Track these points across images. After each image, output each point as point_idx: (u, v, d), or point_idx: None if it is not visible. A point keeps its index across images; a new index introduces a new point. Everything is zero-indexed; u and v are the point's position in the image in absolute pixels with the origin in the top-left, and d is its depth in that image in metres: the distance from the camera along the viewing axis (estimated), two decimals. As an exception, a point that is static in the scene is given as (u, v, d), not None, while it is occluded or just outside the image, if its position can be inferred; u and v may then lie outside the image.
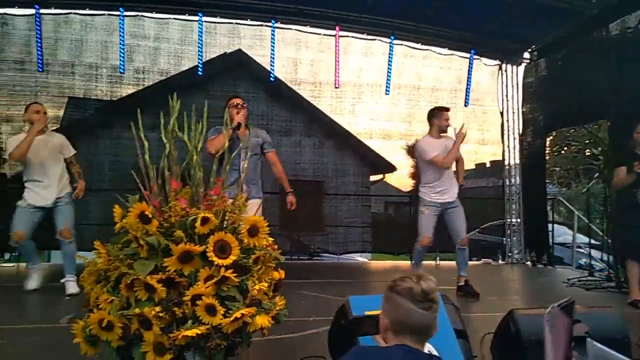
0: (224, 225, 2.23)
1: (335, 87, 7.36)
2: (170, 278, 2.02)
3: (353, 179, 8.90)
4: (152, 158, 7.40)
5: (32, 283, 4.80)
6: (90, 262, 2.19)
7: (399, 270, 7.51)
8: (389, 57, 7.44)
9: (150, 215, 2.07)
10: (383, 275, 6.93)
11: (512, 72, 8.18)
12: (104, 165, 7.53)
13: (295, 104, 8.12)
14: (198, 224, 2.09)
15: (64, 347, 3.02)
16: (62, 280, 4.77)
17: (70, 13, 7.11)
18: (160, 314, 1.93)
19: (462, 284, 4.86)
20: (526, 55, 7.98)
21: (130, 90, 7.45)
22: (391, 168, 10.50)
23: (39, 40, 6.89)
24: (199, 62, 7.10)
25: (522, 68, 8.03)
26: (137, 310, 1.93)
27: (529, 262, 7.95)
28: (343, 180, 8.58)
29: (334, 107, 7.85)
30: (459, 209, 4.84)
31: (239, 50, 8.04)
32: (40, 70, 7.01)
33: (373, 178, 10.69)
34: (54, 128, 7.36)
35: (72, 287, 4.70)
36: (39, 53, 6.91)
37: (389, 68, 7.43)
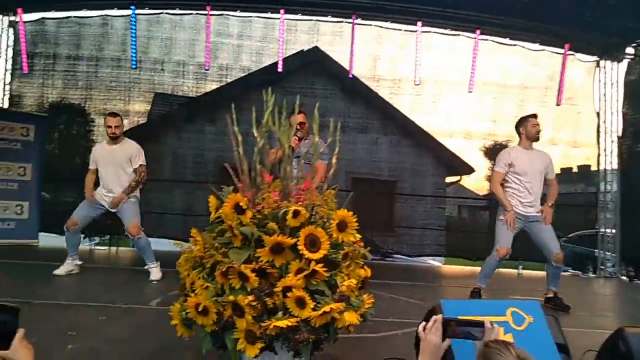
0: (314, 219, 2.23)
1: (416, 84, 7.19)
2: (262, 268, 2.05)
3: (429, 179, 8.66)
4: (232, 153, 7.60)
5: (61, 270, 4.92)
6: (187, 249, 2.28)
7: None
8: (474, 53, 7.12)
9: (244, 207, 2.11)
10: (458, 280, 6.68)
11: (611, 69, 7.53)
12: (188, 158, 7.91)
13: (372, 101, 8.04)
14: (289, 216, 2.10)
15: (155, 327, 3.20)
16: (145, 267, 5.05)
17: (162, 13, 7.54)
18: (253, 303, 1.97)
19: (551, 295, 4.55)
20: (629, 50, 7.30)
21: (214, 86, 7.77)
22: (469, 170, 10.09)
23: (134, 39, 7.37)
24: (279, 60, 7.23)
25: (623, 65, 7.37)
26: (231, 298, 1.98)
27: (624, 277, 7.30)
28: (419, 181, 8.37)
29: (413, 105, 7.69)
30: (543, 223, 4.51)
31: (316, 47, 8.11)
32: (134, 67, 7.51)
33: (449, 179, 10.33)
34: (143, 122, 7.88)
35: (154, 274, 4.96)
36: (133, 51, 7.40)
37: (473, 65, 7.12)
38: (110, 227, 7.82)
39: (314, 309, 1.98)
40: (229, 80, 7.78)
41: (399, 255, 7.83)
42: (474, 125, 7.88)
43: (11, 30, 7.79)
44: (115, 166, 4.95)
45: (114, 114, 5.04)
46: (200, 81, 7.76)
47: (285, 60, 7.44)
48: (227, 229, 2.16)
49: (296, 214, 2.11)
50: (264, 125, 2.28)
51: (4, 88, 7.82)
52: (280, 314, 1.98)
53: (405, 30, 7.27)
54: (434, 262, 8.85)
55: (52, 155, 8.00)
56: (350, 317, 2.06)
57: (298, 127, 4.10)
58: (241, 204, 2.11)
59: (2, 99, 7.85)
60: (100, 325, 3.16)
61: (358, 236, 2.27)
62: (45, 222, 7.28)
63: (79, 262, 5.07)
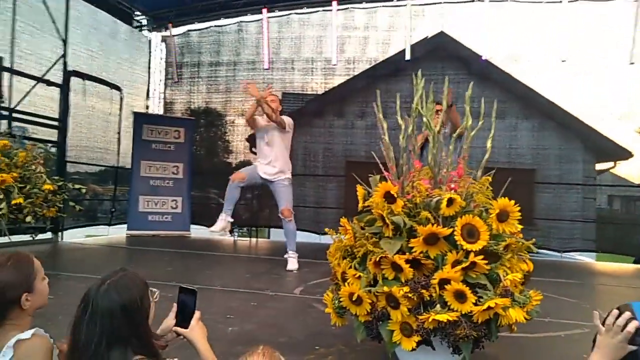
0: (469, 208, 2.09)
1: (562, 61, 6.46)
2: (416, 259, 1.97)
3: (576, 166, 7.74)
4: (360, 145, 7.60)
5: (216, 226, 5.05)
6: (337, 239, 2.29)
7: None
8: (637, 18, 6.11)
9: (395, 195, 2.06)
10: (616, 279, 5.89)
11: None
12: (318, 152, 8.12)
13: (508, 84, 7.44)
14: (443, 205, 2.00)
15: (302, 314, 3.33)
16: (285, 256, 5.25)
17: (291, 13, 7.84)
18: (409, 295, 1.90)
19: None
20: None
21: (342, 80, 7.86)
22: (625, 155, 8.81)
23: (266, 42, 7.79)
24: (406, 47, 7.06)
25: None
26: (385, 289, 1.94)
27: None
28: (564, 168, 7.53)
29: (557, 84, 6.93)
30: None
31: (442, 32, 7.75)
32: (267, 68, 7.93)
33: (600, 166, 9.14)
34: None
35: (291, 264, 5.11)
36: (266, 53, 7.82)
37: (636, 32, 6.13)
38: (249, 220, 8.43)
39: (475, 304, 1.85)
40: (355, 73, 7.81)
41: (543, 251, 7.14)
42: (633, 104, 6.83)
43: (163, 44, 8.78)
44: None
45: None
46: (328, 76, 7.92)
47: (412, 47, 7.24)
48: (377, 219, 2.13)
49: (450, 202, 2.00)
50: (413, 111, 2.20)
51: (159, 97, 8.85)
52: (438, 307, 1.88)
53: (547, 2, 6.57)
54: (584, 257, 7.93)
55: (196, 155, 8.83)
56: (517, 314, 1.89)
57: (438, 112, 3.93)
58: (392, 192, 2.05)
59: (159, 106, 8.89)
60: (252, 310, 3.37)
61: (519, 227, 2.08)
62: (194, 216, 8.08)
63: (231, 220, 5.16)
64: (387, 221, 2.03)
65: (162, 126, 8.07)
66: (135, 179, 7.83)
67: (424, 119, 2.27)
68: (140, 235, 7.54)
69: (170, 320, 1.60)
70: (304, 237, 7.73)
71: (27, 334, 1.41)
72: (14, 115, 6.08)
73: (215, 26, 8.43)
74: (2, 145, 3.65)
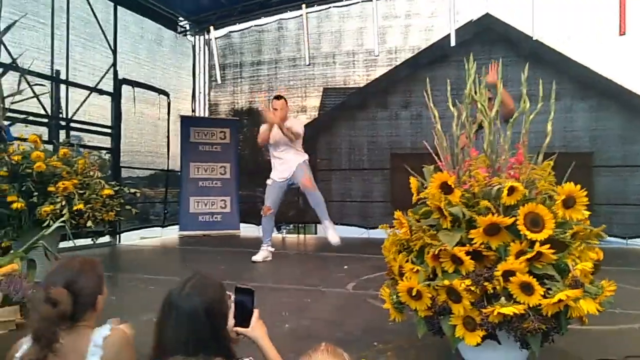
0: (531, 196, 1.98)
1: (620, 35, 6.04)
2: (477, 251, 1.89)
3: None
4: (406, 136, 7.44)
5: (258, 256, 5.31)
6: (391, 233, 2.24)
7: None
8: None
9: (452, 185, 1.98)
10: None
11: None
12: (363, 146, 8.04)
13: (561, 64, 7.06)
14: (504, 194, 1.90)
15: (357, 310, 3.30)
16: (322, 225, 5.42)
17: (330, 7, 7.79)
18: (471, 288, 1.83)
19: None
20: None
21: (384, 71, 7.73)
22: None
23: (306, 37, 7.78)
24: (450, 32, 6.84)
25: None
26: (445, 282, 1.87)
27: None
28: (627, 149, 7.05)
29: (615, 61, 6.50)
30: None
31: (487, 14, 7.46)
32: (308, 64, 7.92)
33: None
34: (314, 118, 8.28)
35: (331, 236, 5.18)
36: (306, 49, 7.81)
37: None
38: (296, 216, 8.46)
39: (544, 296, 1.75)
40: (398, 63, 7.66)
41: (606, 238, 6.73)
42: None
43: (206, 47, 8.96)
44: None
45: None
46: (370, 68, 7.82)
47: (456, 32, 7.01)
48: (434, 210, 2.06)
49: (512, 190, 1.90)
50: (466, 97, 2.10)
51: (204, 99, 9.05)
52: (503, 299, 1.80)
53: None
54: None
55: (241, 155, 8.95)
56: (589, 306, 1.78)
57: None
58: (449, 182, 1.98)
59: (203, 108, 9.09)
60: (306, 306, 3.37)
61: (587, 213, 1.95)
62: (243, 214, 8.21)
63: (272, 249, 5.48)
64: (445, 213, 1.96)
65: (208, 128, 8.25)
66: (185, 180, 8.05)
67: (478, 105, 2.17)
68: (192, 236, 7.75)
69: (229, 320, 1.61)
70: (350, 232, 7.70)
71: (105, 329, 1.46)
72: (71, 125, 6.40)
73: (255, 25, 8.52)
74: (62, 154, 3.83)
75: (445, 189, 1.99)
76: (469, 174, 2.04)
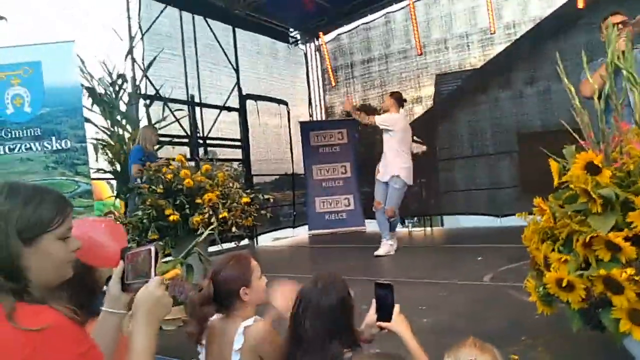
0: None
1: None
2: (637, 235, 1.70)
3: None
4: (534, 114, 6.90)
5: (380, 251, 5.41)
6: (531, 221, 2.11)
7: None
8: None
9: (600, 165, 1.80)
10: None
11: None
12: (486, 129, 7.59)
13: None
14: (667, 169, 1.68)
15: (497, 303, 3.16)
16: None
17: (438, -9, 7.52)
18: (635, 277, 1.64)
19: None
20: None
21: (502, 48, 7.24)
22: None
23: (415, 27, 7.61)
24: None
25: None
26: (602, 272, 1.71)
27: None
28: None
29: None
30: None
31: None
32: (419, 54, 7.75)
33: None
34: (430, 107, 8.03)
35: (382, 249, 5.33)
36: (416, 38, 7.65)
37: None
38: (419, 209, 8.29)
39: None
40: (517, 37, 7.11)
41: None
42: None
43: (317, 53, 9.26)
44: None
45: None
46: (487, 47, 7.37)
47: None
48: (580, 194, 1.89)
49: (676, 164, 1.67)
50: (608, 65, 1.90)
51: (320, 103, 9.37)
52: (679, 290, 1.59)
53: None
54: None
55: (359, 153, 9.05)
56: None
57: (619, 25, 3.15)
58: (595, 162, 1.80)
59: (320, 112, 9.41)
60: (443, 300, 3.32)
61: None
62: (367, 211, 8.30)
63: (392, 242, 5.49)
64: (594, 195, 1.79)
65: (325, 131, 8.53)
66: (310, 182, 8.43)
67: (624, 73, 1.94)
68: (320, 234, 8.09)
69: (372, 315, 1.67)
70: (480, 221, 7.34)
71: (249, 321, 1.66)
72: (207, 141, 7.11)
73: (363, 24, 8.56)
74: (205, 170, 4.27)
75: (592, 169, 1.82)
76: (620, 150, 1.84)
